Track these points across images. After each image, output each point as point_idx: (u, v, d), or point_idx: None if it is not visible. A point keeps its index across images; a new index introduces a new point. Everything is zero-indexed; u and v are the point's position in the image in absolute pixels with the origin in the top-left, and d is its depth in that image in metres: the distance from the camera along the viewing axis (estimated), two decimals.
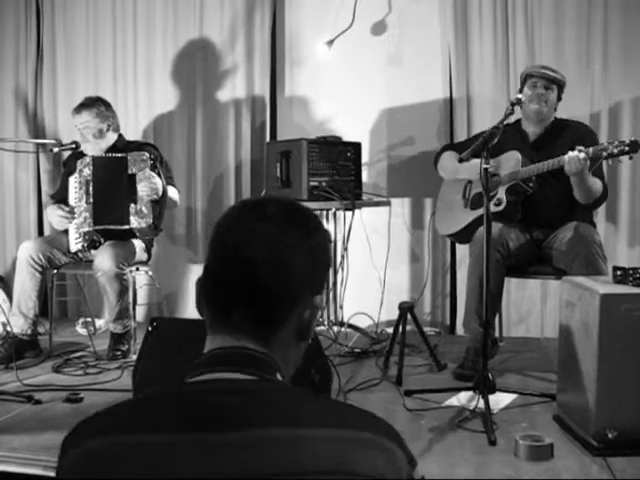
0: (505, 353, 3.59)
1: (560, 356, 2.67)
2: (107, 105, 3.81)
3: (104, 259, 3.47)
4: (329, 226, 3.97)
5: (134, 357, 3.11)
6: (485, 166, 2.71)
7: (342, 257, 3.81)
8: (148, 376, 2.56)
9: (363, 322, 4.05)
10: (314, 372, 2.45)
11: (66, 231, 3.68)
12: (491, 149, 2.76)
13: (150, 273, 3.86)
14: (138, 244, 3.70)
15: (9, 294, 3.87)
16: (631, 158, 2.95)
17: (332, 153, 3.82)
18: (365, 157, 4.18)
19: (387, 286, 3.97)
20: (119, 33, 4.63)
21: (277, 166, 3.80)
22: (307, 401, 0.96)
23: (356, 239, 3.92)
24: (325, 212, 3.94)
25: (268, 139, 4.44)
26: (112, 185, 3.58)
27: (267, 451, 0.87)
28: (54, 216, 3.74)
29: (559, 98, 3.38)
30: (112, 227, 3.56)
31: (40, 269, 3.59)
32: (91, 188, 3.58)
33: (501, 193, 3.28)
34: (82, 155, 3.70)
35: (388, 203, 3.94)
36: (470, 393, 2.82)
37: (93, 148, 3.71)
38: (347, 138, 4.02)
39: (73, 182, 3.67)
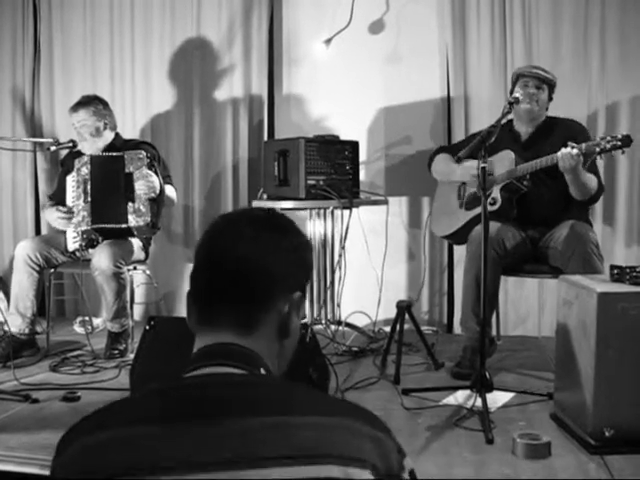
0: (502, 352, 3.60)
1: (557, 354, 2.67)
2: (104, 104, 3.80)
3: (102, 258, 3.47)
4: (326, 225, 3.97)
5: (131, 356, 3.11)
6: (483, 165, 2.71)
7: (339, 256, 3.82)
8: (146, 375, 2.57)
9: (361, 321, 4.05)
10: (312, 371, 2.46)
11: (64, 230, 3.68)
12: (488, 148, 2.76)
13: (148, 272, 3.85)
14: (136, 243, 3.70)
15: (7, 293, 3.87)
16: (623, 152, 2.95)
17: (330, 152, 3.82)
18: (363, 156, 4.19)
19: (385, 285, 3.98)
20: (116, 32, 4.63)
21: (275, 165, 3.80)
22: (297, 392, 1.02)
23: (353, 238, 3.92)
24: (323, 211, 3.94)
25: (266, 138, 4.44)
26: (110, 184, 3.58)
27: (261, 437, 0.92)
28: (52, 218, 3.74)
29: (550, 98, 3.40)
30: (110, 226, 3.56)
31: (37, 268, 3.59)
32: (89, 187, 3.59)
33: (496, 192, 3.28)
34: (79, 154, 3.69)
35: (386, 202, 3.94)
36: (467, 392, 2.82)
37: (90, 147, 3.71)
38: (345, 137, 4.01)
39: (71, 181, 3.66)
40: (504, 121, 2.92)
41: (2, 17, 4.73)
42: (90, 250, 3.62)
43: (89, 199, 3.58)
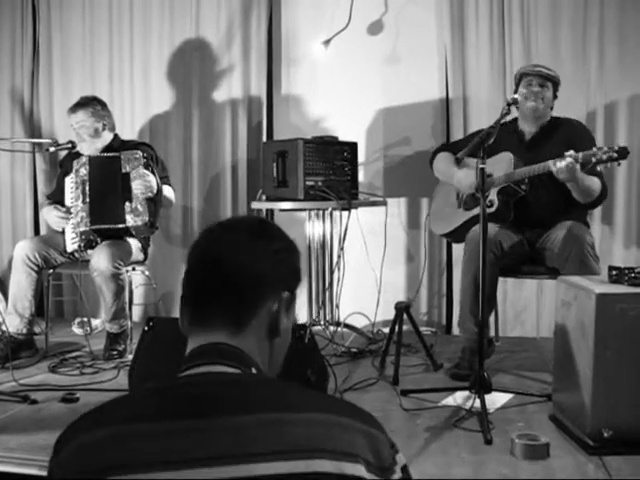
0: (501, 353, 3.60)
1: (556, 355, 2.67)
2: (103, 104, 3.81)
3: (100, 259, 3.47)
4: (325, 226, 3.97)
5: (130, 357, 3.12)
6: (482, 166, 2.71)
7: (338, 257, 3.82)
8: (144, 376, 2.56)
9: (359, 322, 4.05)
10: (310, 372, 2.46)
11: (62, 231, 3.67)
12: (487, 149, 2.76)
13: (146, 273, 3.86)
14: (134, 244, 3.70)
15: (5, 293, 3.87)
16: (619, 164, 2.94)
17: (328, 153, 3.82)
18: (361, 157, 4.19)
19: (383, 286, 3.97)
20: (115, 33, 4.63)
21: (273, 166, 3.80)
22: (290, 390, 1.04)
23: (352, 239, 3.91)
24: (321, 212, 3.94)
25: (264, 139, 4.44)
26: (108, 184, 3.58)
27: (254, 434, 0.94)
28: (51, 217, 3.74)
29: (555, 96, 3.39)
30: (108, 226, 3.56)
31: (36, 268, 3.59)
32: (87, 188, 3.59)
33: (492, 195, 3.26)
34: (78, 155, 3.70)
35: (384, 203, 3.94)
36: (466, 393, 2.82)
37: (89, 147, 3.71)
38: (343, 138, 4.01)
39: (69, 182, 3.67)
40: (503, 121, 2.91)
41: (1, 17, 4.73)
42: (89, 251, 3.62)
43: (88, 200, 3.58)
